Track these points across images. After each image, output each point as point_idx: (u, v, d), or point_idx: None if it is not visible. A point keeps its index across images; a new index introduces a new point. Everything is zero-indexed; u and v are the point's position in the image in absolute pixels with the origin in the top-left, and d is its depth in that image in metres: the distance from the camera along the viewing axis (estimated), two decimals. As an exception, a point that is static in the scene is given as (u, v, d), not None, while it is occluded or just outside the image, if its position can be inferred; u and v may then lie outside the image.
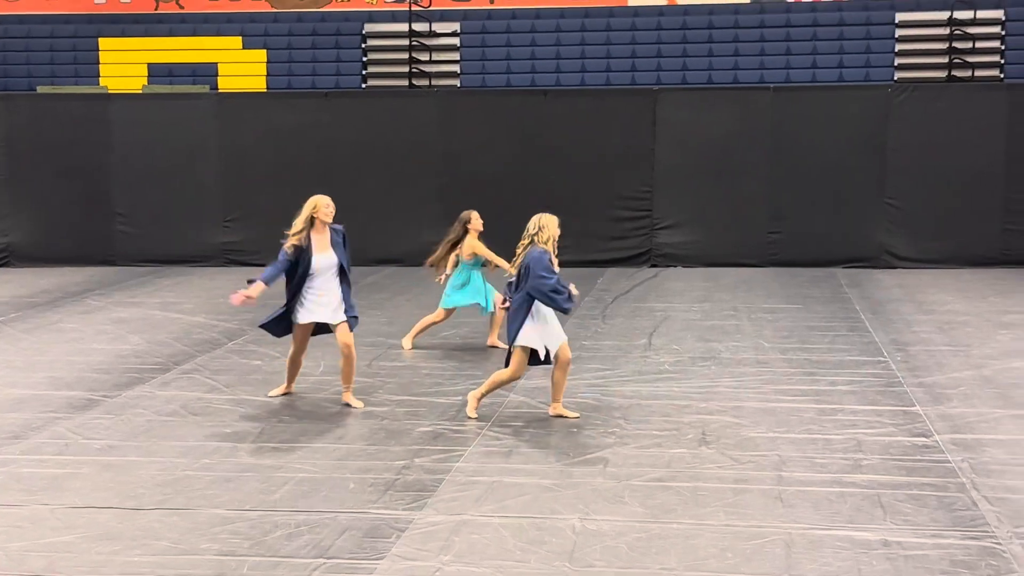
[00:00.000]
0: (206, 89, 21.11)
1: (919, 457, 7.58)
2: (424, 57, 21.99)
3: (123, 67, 22.20)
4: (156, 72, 22.10)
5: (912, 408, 8.85)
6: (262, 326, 9.23)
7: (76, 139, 18.62)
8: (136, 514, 6.65)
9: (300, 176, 18.38)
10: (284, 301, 9.11)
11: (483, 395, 8.79)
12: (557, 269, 8.45)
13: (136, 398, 9.47)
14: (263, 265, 18.13)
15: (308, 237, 9.02)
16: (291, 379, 9.48)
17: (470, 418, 8.63)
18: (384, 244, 17.75)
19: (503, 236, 18.05)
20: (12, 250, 18.81)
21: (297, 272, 8.99)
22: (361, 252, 17.99)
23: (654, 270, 17.56)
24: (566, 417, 8.61)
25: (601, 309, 13.81)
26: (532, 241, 8.56)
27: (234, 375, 10.31)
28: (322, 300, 8.99)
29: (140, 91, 21.22)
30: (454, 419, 8.64)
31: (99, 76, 22.23)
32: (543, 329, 8.45)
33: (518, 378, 8.64)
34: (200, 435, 8.32)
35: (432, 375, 10.21)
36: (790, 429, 8.28)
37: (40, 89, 21.32)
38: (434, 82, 21.64)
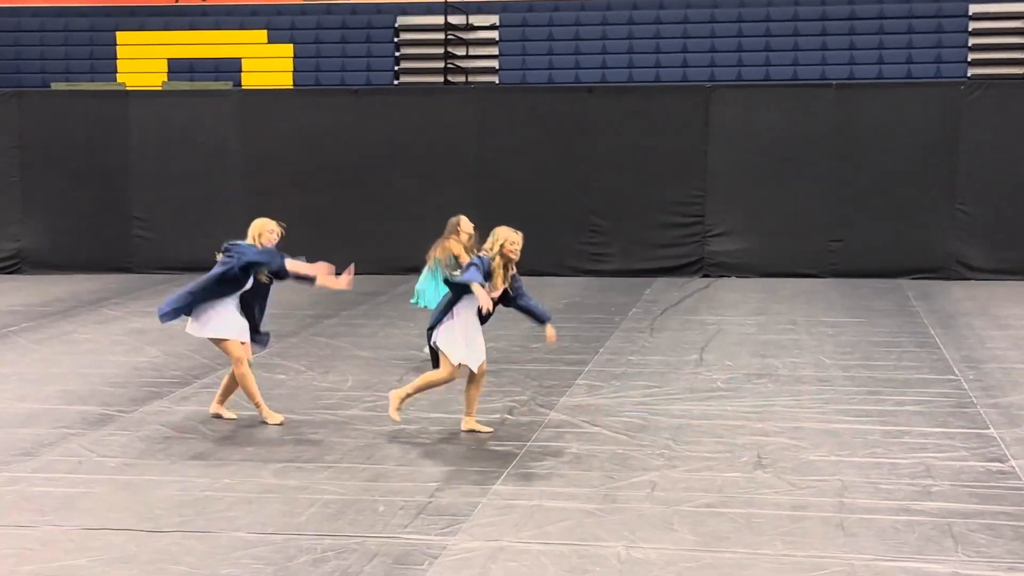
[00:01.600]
0: (229, 86, 21.29)
1: (993, 484, 7.51)
2: (460, 52, 22.06)
3: (142, 62, 22.43)
4: (176, 68, 22.31)
5: (986, 431, 8.77)
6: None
7: (91, 138, 18.82)
8: (153, 536, 6.69)
9: (328, 179, 18.49)
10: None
11: (409, 395, 8.79)
12: (496, 277, 8.45)
13: (154, 413, 9.54)
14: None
15: None
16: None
17: (394, 421, 8.72)
18: (416, 252, 17.74)
19: (546, 246, 18.14)
20: (24, 256, 19.02)
21: (243, 283, 9.03)
22: (392, 260, 18.08)
23: (706, 280, 17.49)
24: (479, 432, 8.75)
25: (649, 322, 13.78)
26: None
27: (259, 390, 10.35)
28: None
29: (160, 88, 21.42)
30: (491, 438, 8.65)
31: (116, 72, 22.47)
32: (459, 336, 8.48)
33: (451, 380, 8.67)
34: (221, 453, 8.36)
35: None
36: (853, 452, 8.23)
37: (54, 86, 21.57)
38: (471, 78, 21.71)
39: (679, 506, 7.08)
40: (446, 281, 8.70)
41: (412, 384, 8.84)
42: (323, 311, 14.83)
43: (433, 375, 8.68)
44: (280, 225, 9.35)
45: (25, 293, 16.62)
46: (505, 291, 8.56)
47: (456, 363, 8.52)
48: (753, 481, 7.58)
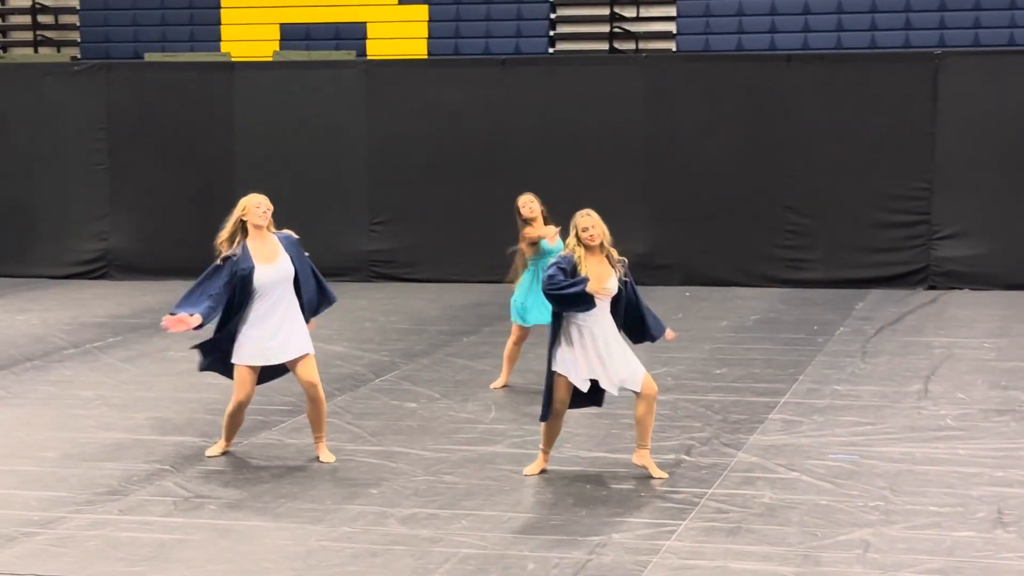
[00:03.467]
0: (352, 56, 21.60)
1: None
2: (630, 13, 22.06)
3: (250, 29, 22.87)
4: (290, 35, 22.71)
5: None
6: (205, 365, 9.30)
7: (191, 118, 19.27)
8: (259, 593, 6.83)
9: (468, 165, 18.64)
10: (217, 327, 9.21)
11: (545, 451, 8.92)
12: (582, 272, 8.50)
13: (260, 447, 9.73)
14: (417, 280, 18.51)
15: (244, 247, 9.14)
16: (230, 436, 9.49)
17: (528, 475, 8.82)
18: (575, 255, 17.82)
19: (732, 250, 17.99)
20: (111, 258, 19.57)
21: (235, 295, 9.04)
22: (545, 265, 18.13)
23: (932, 293, 17.21)
24: (650, 474, 8.74)
25: (861, 344, 13.60)
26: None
27: (382, 421, 10.49)
28: (272, 331, 9.06)
29: (270, 59, 21.83)
30: (664, 483, 8.63)
31: (220, 40, 22.96)
32: (586, 356, 8.55)
33: (558, 412, 8.74)
34: (340, 496, 8.48)
35: (634, 426, 10.18)
36: (1120, 510, 8.02)
37: (148, 57, 22.12)
38: (642, 45, 21.68)
39: (899, 571, 6.99)
40: (549, 296, 8.63)
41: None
42: (461, 327, 14.95)
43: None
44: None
45: (112, 302, 17.09)
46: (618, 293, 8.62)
47: (560, 372, 8.60)
48: (992, 542, 7.43)
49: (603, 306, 8.59)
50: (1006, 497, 8.27)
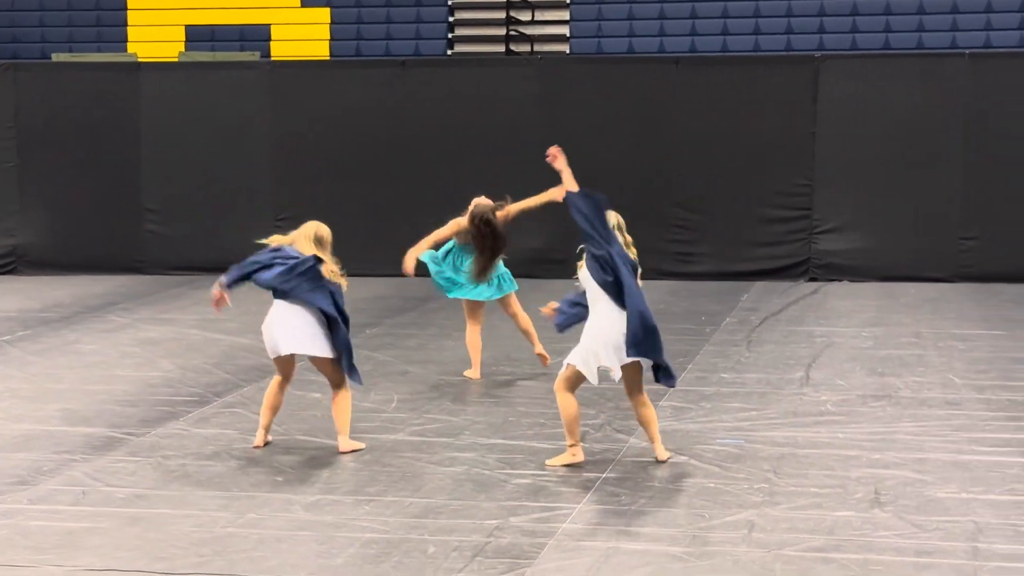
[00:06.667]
0: (256, 57, 21.46)
1: None
2: (525, 16, 22.10)
3: (155, 30, 22.65)
4: (195, 36, 22.51)
5: None
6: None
7: (98, 118, 19.03)
8: (167, 579, 6.77)
9: (369, 164, 18.58)
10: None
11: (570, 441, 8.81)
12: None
13: (168, 437, 9.64)
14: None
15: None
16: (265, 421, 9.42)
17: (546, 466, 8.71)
18: (473, 250, 17.81)
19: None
20: (20, 253, 19.27)
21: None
22: (445, 260, 18.12)
23: (813, 285, 17.40)
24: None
25: (746, 334, 13.73)
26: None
27: (287, 411, 10.41)
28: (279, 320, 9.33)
29: (176, 59, 21.63)
30: (559, 468, 8.65)
31: (127, 41, 22.71)
32: (592, 342, 8.55)
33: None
34: (245, 483, 8.43)
35: (531, 413, 10.22)
36: (989, 488, 8.15)
37: (55, 57, 21.84)
38: (537, 48, 21.73)
39: (781, 550, 7.06)
40: None
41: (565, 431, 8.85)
42: (365, 319, 14.88)
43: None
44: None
45: (22, 296, 16.85)
46: None
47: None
48: (870, 521, 7.53)
49: (596, 293, 8.64)
50: (883, 478, 8.38)
